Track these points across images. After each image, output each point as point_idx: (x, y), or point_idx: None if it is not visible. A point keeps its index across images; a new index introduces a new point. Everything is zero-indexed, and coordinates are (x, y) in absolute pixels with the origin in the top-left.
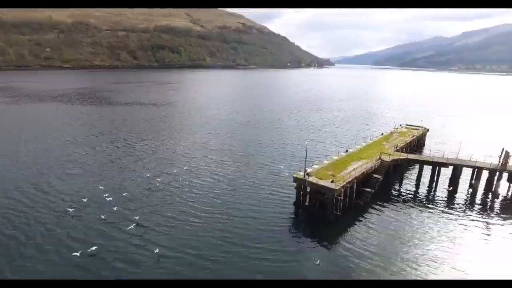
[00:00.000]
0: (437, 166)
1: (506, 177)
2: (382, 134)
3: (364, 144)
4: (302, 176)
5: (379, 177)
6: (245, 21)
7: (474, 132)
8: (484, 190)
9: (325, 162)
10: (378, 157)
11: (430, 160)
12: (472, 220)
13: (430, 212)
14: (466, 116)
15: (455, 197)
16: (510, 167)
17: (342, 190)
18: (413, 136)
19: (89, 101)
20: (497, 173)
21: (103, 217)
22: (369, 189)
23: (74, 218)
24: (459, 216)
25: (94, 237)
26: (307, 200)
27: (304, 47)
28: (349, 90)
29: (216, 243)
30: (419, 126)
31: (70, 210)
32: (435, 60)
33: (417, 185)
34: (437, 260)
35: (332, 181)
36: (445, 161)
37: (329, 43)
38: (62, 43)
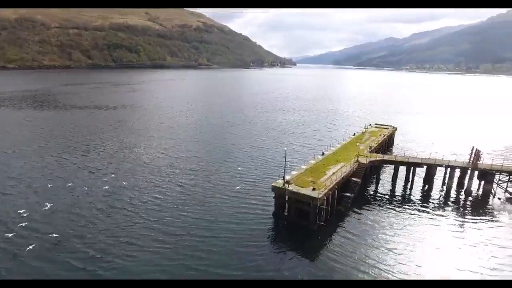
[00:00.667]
0: (411, 166)
1: (477, 175)
2: (354, 134)
3: (339, 145)
4: (282, 185)
5: (358, 180)
6: (206, 20)
7: (438, 130)
8: (458, 188)
9: (303, 167)
10: (355, 160)
11: (406, 160)
12: (451, 218)
13: (410, 214)
14: (428, 114)
15: (431, 196)
16: (481, 165)
17: (325, 198)
18: (384, 136)
19: (35, 105)
20: (469, 171)
21: (47, 247)
22: (349, 194)
23: (10, 250)
24: (439, 215)
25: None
26: (288, 210)
27: (266, 47)
28: (313, 89)
29: (188, 270)
30: (388, 125)
31: (8, 237)
32: (389, 60)
33: (394, 186)
34: (425, 263)
35: (313, 189)
36: (419, 161)
37: (290, 43)
38: (5, 41)
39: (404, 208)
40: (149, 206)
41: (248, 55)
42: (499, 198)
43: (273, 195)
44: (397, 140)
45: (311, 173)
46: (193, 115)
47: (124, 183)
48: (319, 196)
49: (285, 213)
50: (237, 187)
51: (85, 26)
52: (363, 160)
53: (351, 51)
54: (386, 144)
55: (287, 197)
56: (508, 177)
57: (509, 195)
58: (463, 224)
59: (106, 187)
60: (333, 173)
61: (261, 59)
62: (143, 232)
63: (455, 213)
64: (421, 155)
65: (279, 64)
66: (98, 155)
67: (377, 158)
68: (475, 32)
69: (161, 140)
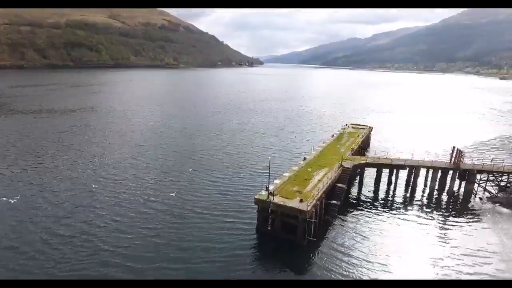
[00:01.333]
0: (395, 168)
1: (459, 175)
2: (333, 136)
3: (319, 148)
4: (266, 197)
5: (344, 186)
6: (172, 19)
7: (411, 127)
8: (441, 189)
9: (286, 175)
10: (339, 164)
11: (389, 163)
12: (438, 220)
13: (398, 218)
14: (399, 112)
15: (416, 198)
16: (463, 165)
17: (314, 210)
18: (363, 136)
19: None
20: (451, 172)
21: None
22: (335, 201)
23: None
24: (427, 218)
25: None
26: (273, 224)
27: (232, 46)
28: (283, 89)
29: None
30: (364, 125)
31: None
32: (353, 59)
33: (377, 189)
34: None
35: (301, 200)
36: (403, 163)
37: (256, 43)
38: None
39: (390, 213)
40: (111, 231)
41: (216, 54)
42: (481, 198)
43: (256, 209)
44: (373, 140)
45: (296, 181)
46: (160, 119)
47: (78, 201)
48: (308, 209)
49: (270, 228)
50: (214, 200)
51: (38, 23)
52: (347, 164)
53: (317, 51)
54: (365, 145)
55: (271, 210)
56: (487, 176)
57: (489, 194)
58: (452, 226)
59: (57, 209)
60: (319, 181)
61: (229, 58)
62: (103, 259)
63: (442, 215)
64: (402, 156)
65: (247, 64)
66: (49, 168)
67: (361, 162)
68: (430, 34)
69: (124, 148)
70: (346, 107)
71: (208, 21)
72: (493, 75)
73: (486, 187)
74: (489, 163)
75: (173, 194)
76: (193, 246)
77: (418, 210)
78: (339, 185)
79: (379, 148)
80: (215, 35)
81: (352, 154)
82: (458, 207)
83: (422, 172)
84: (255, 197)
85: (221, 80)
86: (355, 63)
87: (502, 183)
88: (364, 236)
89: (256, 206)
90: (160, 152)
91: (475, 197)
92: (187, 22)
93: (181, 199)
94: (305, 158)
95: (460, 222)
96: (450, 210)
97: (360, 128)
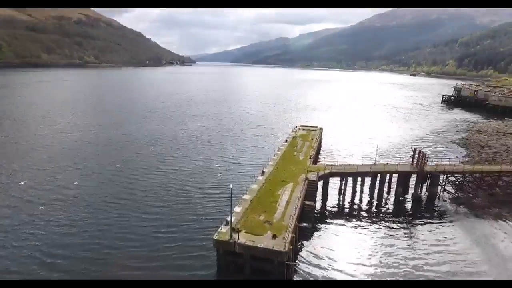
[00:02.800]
0: (359, 176)
1: (423, 178)
2: (286, 141)
3: (276, 158)
4: (228, 236)
5: (313, 204)
6: (89, 13)
7: (355, 126)
8: (406, 194)
9: (246, 197)
10: (304, 177)
11: (355, 170)
12: (414, 225)
13: (371, 230)
14: (337, 109)
15: (383, 205)
16: (426, 167)
17: (291, 247)
18: (317, 139)
19: None
20: (415, 175)
21: None
22: (306, 224)
23: None
24: (401, 226)
25: None
26: (239, 270)
27: (162, 44)
28: (218, 89)
29: None
30: (314, 126)
31: None
32: (283, 58)
33: (343, 200)
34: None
35: (273, 236)
36: (368, 170)
37: (187, 41)
38: None
39: (363, 225)
40: None
41: (143, 52)
42: (444, 200)
43: (216, 252)
44: (324, 142)
45: (260, 206)
46: (76, 130)
47: None
48: (286, 249)
49: (236, 275)
50: (150, 245)
51: None
52: (312, 176)
53: (248, 50)
54: (319, 149)
55: (237, 252)
56: (446, 177)
57: (450, 195)
58: (430, 230)
59: None
60: (287, 202)
61: (158, 57)
62: None
63: (414, 220)
64: (358, 159)
65: (177, 62)
66: None
67: (325, 172)
68: (349, 34)
69: (23, 173)
70: (287, 106)
71: (132, 16)
72: (405, 72)
73: (446, 188)
74: (450, 164)
75: (95, 237)
76: None
77: (389, 218)
78: (308, 202)
79: (332, 151)
80: (141, 32)
81: (312, 162)
82: (426, 211)
83: (387, 177)
84: (214, 237)
85: (151, 81)
86: (285, 62)
87: (460, 182)
88: (343, 263)
89: (216, 249)
90: (76, 176)
91: (439, 199)
92: (108, 17)
93: (106, 247)
94: (263, 172)
95: (434, 225)
96: (419, 215)
97: (311, 130)
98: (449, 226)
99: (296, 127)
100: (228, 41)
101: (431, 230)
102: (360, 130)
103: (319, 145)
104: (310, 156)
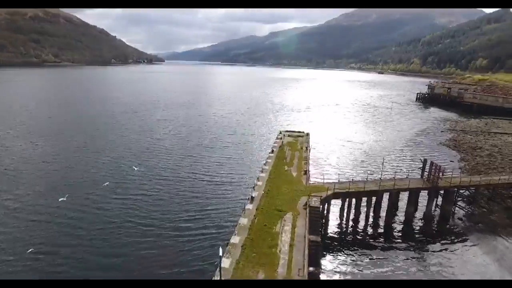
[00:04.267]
0: (366, 196)
1: (436, 193)
2: (273, 151)
3: (264, 175)
4: None
5: (318, 240)
6: (46, 8)
7: (339, 128)
8: (419, 213)
9: (235, 240)
10: (305, 204)
11: (362, 189)
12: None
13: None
14: (316, 110)
15: (398, 230)
16: (442, 182)
17: None
18: (306, 148)
19: None
20: (428, 191)
21: None
22: (312, 268)
23: None
24: (418, 249)
25: None
26: None
27: (128, 42)
28: (190, 89)
29: None
30: (300, 132)
31: None
32: (253, 56)
33: (348, 225)
34: None
35: None
36: (376, 188)
37: (154, 39)
38: None
39: (380, 260)
40: None
41: (108, 50)
42: (460, 218)
43: None
44: (312, 148)
45: (255, 253)
46: (24, 140)
47: None
48: None
49: None
50: None
51: None
52: (314, 201)
53: (218, 48)
54: (309, 159)
55: None
56: (456, 192)
57: (464, 212)
58: (456, 256)
59: None
60: (290, 246)
61: (125, 55)
62: None
63: (434, 245)
64: (359, 170)
65: (145, 61)
66: None
67: (328, 192)
68: (318, 33)
69: None
70: (264, 107)
71: (94, 13)
72: (372, 70)
73: (458, 203)
74: (464, 176)
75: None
76: None
77: (410, 246)
78: (313, 238)
79: (324, 160)
80: (105, 29)
81: (307, 178)
82: (443, 232)
83: (396, 194)
84: None
85: (116, 81)
86: (255, 60)
87: (473, 196)
88: None
89: None
90: (10, 207)
91: (453, 217)
92: (68, 13)
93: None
94: (252, 199)
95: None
96: (439, 238)
97: (298, 136)
98: (472, 249)
99: (280, 133)
100: (197, 39)
101: (457, 256)
102: (346, 134)
103: (309, 154)
104: (305, 171)
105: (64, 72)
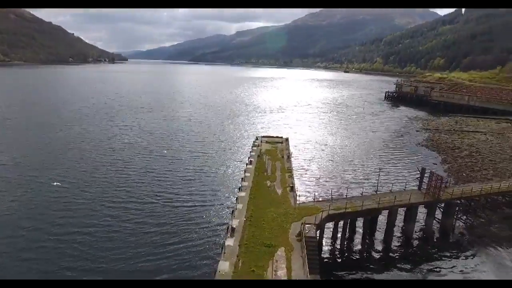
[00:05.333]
0: (363, 215)
1: (437, 207)
2: (251, 162)
3: (243, 194)
4: None
5: (317, 276)
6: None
7: (316, 131)
8: (416, 228)
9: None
10: (298, 234)
11: (359, 208)
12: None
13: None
14: (290, 111)
15: (397, 251)
16: (444, 194)
17: None
18: (287, 156)
19: None
20: (434, 205)
21: None
22: None
23: None
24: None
25: None
26: None
27: (87, 40)
28: (155, 90)
29: None
30: (279, 137)
31: None
32: (221, 55)
33: (344, 251)
34: None
35: None
36: (376, 206)
37: (116, 37)
38: None
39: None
40: None
41: (65, 48)
42: (461, 232)
43: None
44: (294, 159)
45: None
46: None
47: None
48: None
49: None
50: None
51: None
52: (309, 231)
53: (184, 46)
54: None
55: None
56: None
57: (465, 225)
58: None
59: None
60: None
61: (84, 54)
62: None
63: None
64: (346, 176)
65: (107, 60)
66: None
67: (322, 215)
68: (284, 33)
69: None
70: (235, 109)
71: (49, 9)
72: (338, 69)
73: (458, 216)
74: (466, 186)
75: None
76: None
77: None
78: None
79: (307, 169)
80: (62, 26)
81: (294, 197)
82: (446, 248)
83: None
84: None
85: (72, 81)
86: (223, 59)
87: (472, 207)
88: None
89: None
90: None
91: (453, 231)
92: (19, 8)
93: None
94: (233, 230)
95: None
96: (444, 257)
97: (276, 142)
98: (480, 266)
99: (257, 139)
100: (163, 37)
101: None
102: (324, 137)
103: (291, 163)
104: (291, 187)
105: (18, 72)
